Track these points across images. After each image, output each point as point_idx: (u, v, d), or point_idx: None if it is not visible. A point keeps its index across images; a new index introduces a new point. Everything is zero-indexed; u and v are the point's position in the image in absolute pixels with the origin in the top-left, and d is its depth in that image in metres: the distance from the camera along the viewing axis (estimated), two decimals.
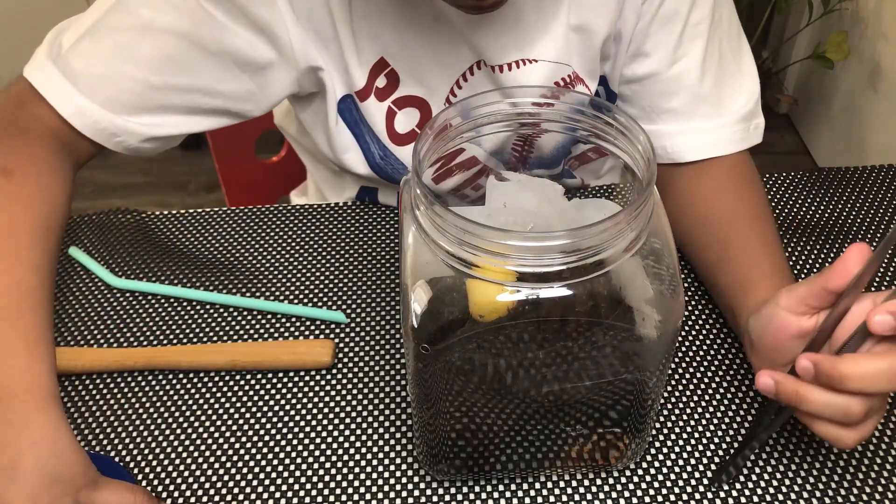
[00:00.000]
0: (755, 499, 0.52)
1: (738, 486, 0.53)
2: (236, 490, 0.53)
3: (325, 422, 0.57)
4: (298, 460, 0.55)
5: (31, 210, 0.56)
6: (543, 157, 0.72)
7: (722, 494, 0.52)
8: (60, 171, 0.60)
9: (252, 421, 0.57)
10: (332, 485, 0.53)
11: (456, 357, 0.44)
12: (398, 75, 0.66)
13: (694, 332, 0.63)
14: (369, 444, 0.56)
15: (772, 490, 0.53)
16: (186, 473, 0.54)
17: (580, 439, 0.51)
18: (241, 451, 0.56)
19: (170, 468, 0.55)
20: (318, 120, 0.71)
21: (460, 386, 0.46)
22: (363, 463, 0.55)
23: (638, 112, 0.69)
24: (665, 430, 0.56)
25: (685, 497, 0.53)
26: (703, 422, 0.57)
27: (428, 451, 0.52)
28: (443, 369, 0.45)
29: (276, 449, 0.56)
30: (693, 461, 0.54)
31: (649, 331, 0.45)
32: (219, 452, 0.55)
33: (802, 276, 0.67)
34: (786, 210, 0.73)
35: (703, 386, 0.59)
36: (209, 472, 0.54)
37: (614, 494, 0.53)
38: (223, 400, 0.59)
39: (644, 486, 0.53)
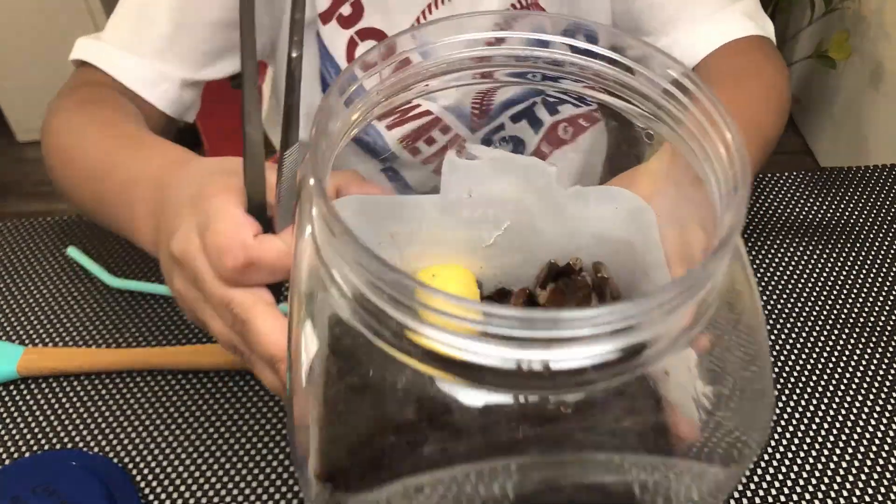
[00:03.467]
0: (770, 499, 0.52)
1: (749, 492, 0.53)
2: (235, 491, 0.53)
3: None
4: None
5: (115, 118, 0.57)
6: (508, 102, 0.65)
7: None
8: (135, 108, 0.61)
9: (251, 422, 0.57)
10: None
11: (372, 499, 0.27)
12: (363, 5, 0.66)
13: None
14: None
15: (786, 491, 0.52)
16: (185, 475, 0.54)
17: None
18: (241, 452, 0.55)
19: (168, 469, 0.54)
20: (274, 53, 0.71)
21: None
22: None
23: (644, 37, 0.68)
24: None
25: None
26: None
27: None
28: None
29: (276, 450, 0.55)
30: None
31: (686, 404, 0.27)
32: (218, 453, 0.55)
33: (804, 276, 0.66)
34: (788, 210, 0.73)
35: None
36: (208, 474, 0.54)
37: None
38: (222, 401, 0.58)
39: None
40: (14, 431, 0.57)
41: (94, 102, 0.60)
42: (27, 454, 0.55)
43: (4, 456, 0.55)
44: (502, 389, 0.23)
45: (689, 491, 0.28)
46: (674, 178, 0.32)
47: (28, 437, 0.56)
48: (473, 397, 0.24)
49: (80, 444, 0.56)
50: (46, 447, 0.56)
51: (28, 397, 0.59)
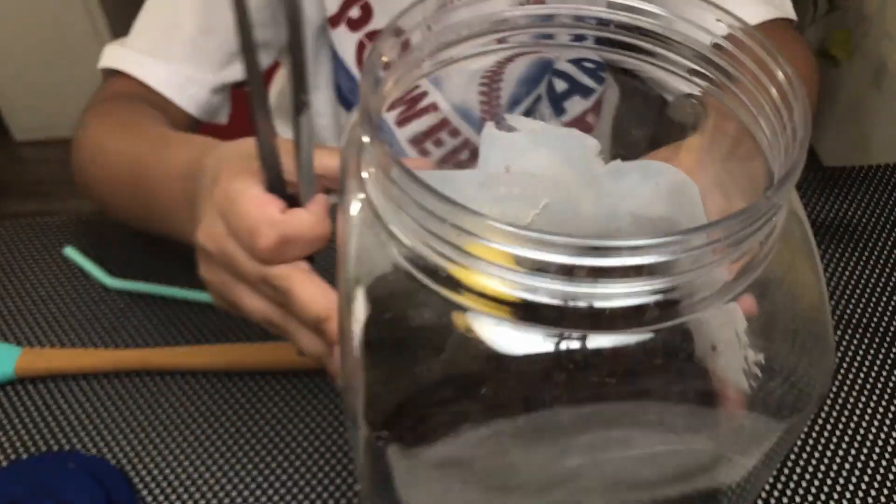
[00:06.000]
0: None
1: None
2: (234, 493, 0.53)
3: (324, 424, 0.56)
4: (297, 463, 0.54)
5: (135, 124, 0.58)
6: (514, 97, 0.63)
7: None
8: (158, 113, 0.61)
9: (250, 423, 0.57)
10: (332, 488, 0.53)
11: (434, 454, 0.26)
12: (371, 7, 0.66)
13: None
14: None
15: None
16: (184, 476, 0.54)
17: None
18: (239, 454, 0.55)
19: (167, 471, 0.54)
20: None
21: (441, 495, 0.28)
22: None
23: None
24: None
25: None
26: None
27: None
28: (412, 469, 0.27)
29: (275, 452, 0.55)
30: None
31: (735, 376, 0.26)
32: (216, 455, 0.55)
33: None
34: None
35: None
36: (206, 475, 0.54)
37: None
38: (221, 401, 0.58)
39: None
40: (11, 433, 0.56)
41: (118, 112, 0.61)
42: (25, 456, 0.55)
43: (2, 458, 0.55)
44: (549, 328, 0.23)
45: (748, 447, 0.28)
46: (718, 151, 0.31)
47: (25, 438, 0.56)
48: (519, 339, 0.24)
49: (78, 446, 0.56)
50: (44, 449, 0.55)
51: (25, 398, 0.59)
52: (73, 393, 0.59)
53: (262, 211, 0.34)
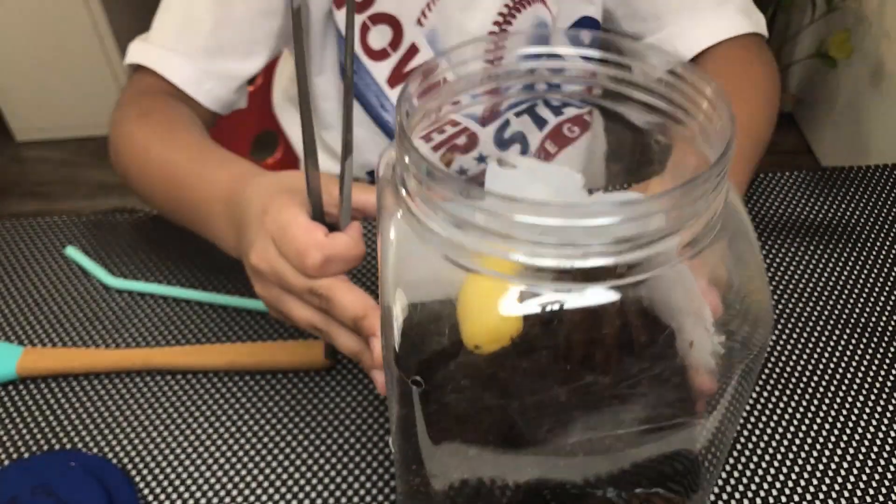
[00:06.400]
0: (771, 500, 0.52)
1: (752, 488, 0.52)
2: (235, 492, 0.53)
3: (324, 423, 0.57)
4: (298, 462, 0.54)
5: (175, 124, 0.62)
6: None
7: (737, 496, 0.52)
8: (190, 113, 0.65)
9: (251, 422, 0.57)
10: (332, 487, 0.53)
11: (453, 398, 0.34)
12: None
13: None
14: (369, 445, 0.55)
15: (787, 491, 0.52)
16: (185, 475, 0.54)
17: None
18: (240, 453, 0.55)
19: (168, 470, 0.54)
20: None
21: (461, 438, 0.36)
22: (363, 465, 0.54)
23: (641, 25, 0.71)
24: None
25: None
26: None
27: None
28: (438, 415, 0.34)
29: (276, 451, 0.55)
30: None
31: (706, 360, 0.33)
32: (217, 454, 0.55)
33: (805, 276, 0.66)
34: (789, 210, 0.73)
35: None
36: (207, 475, 0.54)
37: None
38: (222, 401, 0.58)
39: None
40: (13, 432, 0.57)
41: (153, 113, 0.63)
42: (26, 455, 0.55)
43: (3, 456, 0.55)
44: (544, 282, 0.29)
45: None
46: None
47: (27, 437, 0.56)
48: (519, 297, 0.30)
49: (79, 445, 0.56)
50: (45, 448, 0.56)
51: (27, 398, 0.59)
52: (74, 392, 0.59)
53: (310, 236, 0.41)
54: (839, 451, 0.54)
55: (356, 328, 0.42)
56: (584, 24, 0.74)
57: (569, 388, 0.33)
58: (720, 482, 0.53)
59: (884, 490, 0.52)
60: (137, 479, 0.54)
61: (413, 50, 0.72)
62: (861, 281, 0.66)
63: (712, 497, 0.52)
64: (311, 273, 0.41)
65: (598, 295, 0.29)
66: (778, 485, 0.53)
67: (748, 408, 0.57)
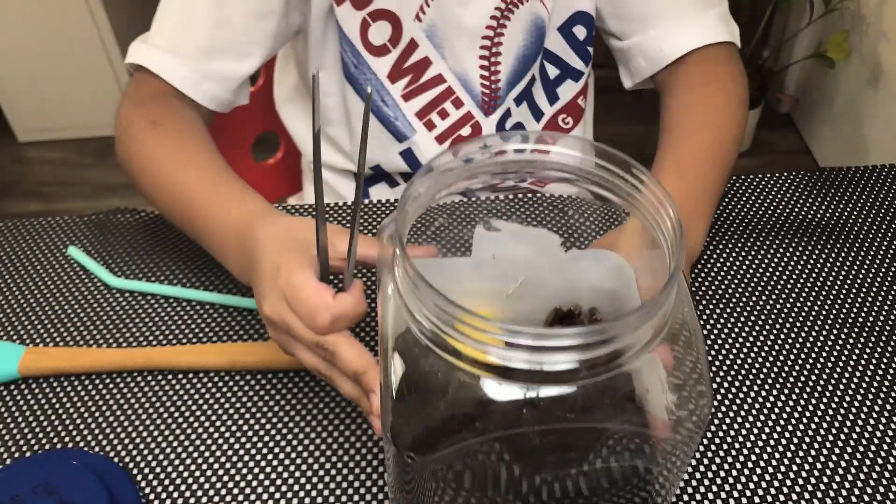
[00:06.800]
0: (756, 500, 0.52)
1: (738, 485, 0.53)
2: (235, 490, 0.53)
3: (324, 422, 0.57)
4: (298, 461, 0.55)
5: (185, 138, 0.64)
6: (512, 75, 0.76)
7: (723, 495, 0.52)
8: (196, 119, 0.67)
9: (252, 421, 0.57)
10: (332, 485, 0.53)
11: (448, 468, 0.38)
12: None
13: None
14: (370, 444, 0.55)
15: (773, 490, 0.52)
16: (186, 474, 0.54)
17: None
18: (241, 452, 0.55)
19: (169, 469, 0.55)
20: (304, 36, 0.75)
21: (452, 496, 0.40)
22: (363, 464, 0.54)
23: (626, 25, 0.74)
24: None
25: None
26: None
27: None
28: (431, 478, 0.39)
29: (276, 450, 0.55)
30: None
31: (660, 410, 0.39)
32: (218, 453, 0.55)
33: (803, 276, 0.67)
34: (787, 210, 0.73)
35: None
36: (208, 473, 0.54)
37: None
38: (222, 400, 0.59)
39: None
40: (15, 431, 0.57)
41: (164, 123, 0.64)
42: (28, 453, 0.56)
43: (5, 455, 0.56)
44: (517, 383, 0.35)
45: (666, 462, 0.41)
46: (643, 243, 0.43)
47: (29, 436, 0.57)
48: (497, 389, 0.36)
49: (81, 444, 0.56)
50: (47, 446, 0.56)
51: (29, 397, 0.59)
52: (75, 391, 0.59)
53: (319, 298, 0.45)
54: (836, 450, 0.55)
55: (356, 381, 0.46)
56: (578, 18, 0.75)
57: (550, 464, 0.39)
58: (718, 480, 0.53)
59: (882, 488, 0.52)
60: (139, 477, 0.54)
61: (412, 45, 0.73)
62: (859, 280, 0.66)
63: (711, 496, 0.52)
64: (319, 331, 0.46)
65: (565, 388, 0.35)
66: (776, 483, 0.53)
67: (750, 407, 0.57)
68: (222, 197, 0.58)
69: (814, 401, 0.57)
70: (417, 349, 0.37)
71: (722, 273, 0.67)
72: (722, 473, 0.53)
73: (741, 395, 0.58)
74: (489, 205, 0.57)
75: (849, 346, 0.61)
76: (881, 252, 0.69)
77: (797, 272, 0.67)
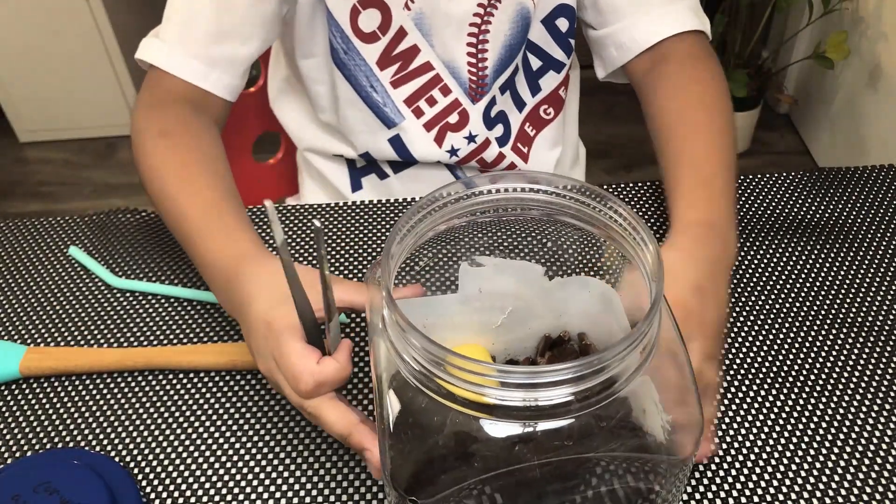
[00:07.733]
0: (755, 498, 0.52)
1: (738, 485, 0.53)
2: (236, 490, 0.53)
3: None
4: (299, 460, 0.55)
5: (192, 153, 0.64)
6: (498, 63, 0.77)
7: (723, 494, 0.53)
8: (207, 127, 0.67)
9: (252, 421, 0.57)
10: (333, 484, 0.53)
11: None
12: None
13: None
14: None
15: (772, 490, 0.53)
16: (186, 473, 0.54)
17: None
18: (241, 451, 0.56)
19: (170, 468, 0.55)
20: (291, 24, 0.76)
21: None
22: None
23: (600, 17, 0.75)
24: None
25: None
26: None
27: None
28: None
29: (276, 449, 0.56)
30: None
31: (665, 450, 0.41)
32: (219, 452, 0.56)
33: (802, 276, 0.67)
34: (786, 210, 0.73)
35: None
36: (209, 472, 0.54)
37: None
38: (223, 400, 0.59)
39: None
40: (16, 430, 0.57)
41: (172, 135, 0.65)
42: (29, 453, 0.56)
43: (6, 454, 0.56)
44: (513, 420, 0.37)
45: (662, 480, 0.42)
46: (625, 268, 0.44)
47: (30, 435, 0.57)
48: (494, 427, 0.37)
49: (82, 443, 0.56)
50: (48, 446, 0.56)
51: (30, 396, 0.59)
52: (76, 391, 0.60)
53: (303, 364, 0.46)
54: (836, 449, 0.55)
55: (344, 443, 0.48)
56: (561, 11, 0.77)
57: (553, 493, 0.41)
58: (718, 479, 0.53)
59: (881, 488, 0.53)
60: (139, 476, 0.54)
61: (401, 33, 0.74)
62: (858, 280, 0.66)
63: (710, 494, 0.53)
64: (303, 396, 0.47)
65: (562, 421, 0.37)
66: (775, 482, 0.53)
67: (749, 407, 0.57)
68: (217, 230, 0.58)
69: (813, 400, 0.58)
70: (411, 391, 0.38)
71: None
72: (721, 473, 0.54)
73: (740, 395, 0.58)
74: (470, 241, 0.58)
75: (848, 346, 0.61)
76: (880, 252, 0.69)
77: (796, 272, 0.67)
